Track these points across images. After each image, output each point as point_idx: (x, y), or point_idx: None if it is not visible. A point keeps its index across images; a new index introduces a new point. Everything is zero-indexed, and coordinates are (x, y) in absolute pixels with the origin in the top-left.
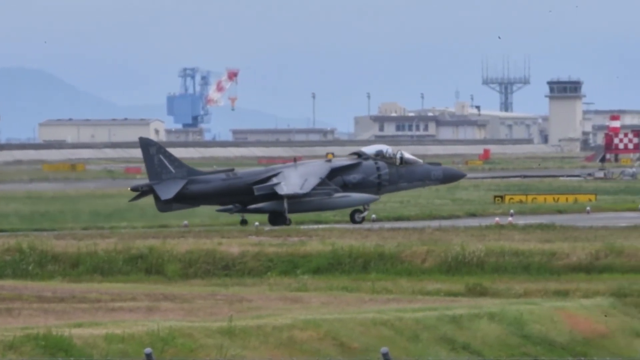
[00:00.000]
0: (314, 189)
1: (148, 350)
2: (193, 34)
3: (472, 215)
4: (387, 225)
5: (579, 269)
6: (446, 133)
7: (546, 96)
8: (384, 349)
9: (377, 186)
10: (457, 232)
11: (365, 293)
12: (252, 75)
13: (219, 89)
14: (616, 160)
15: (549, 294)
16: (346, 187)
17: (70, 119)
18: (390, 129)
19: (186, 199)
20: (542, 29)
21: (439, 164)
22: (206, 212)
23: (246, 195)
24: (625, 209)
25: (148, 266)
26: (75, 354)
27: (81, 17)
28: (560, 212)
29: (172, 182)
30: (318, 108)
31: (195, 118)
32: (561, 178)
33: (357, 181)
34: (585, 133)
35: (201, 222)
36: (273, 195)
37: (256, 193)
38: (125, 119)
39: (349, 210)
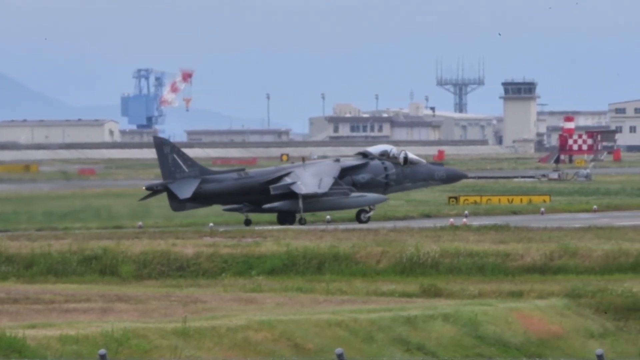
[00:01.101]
0: (330, 188)
1: (102, 351)
2: (147, 35)
3: (427, 216)
4: (342, 226)
5: (534, 270)
6: (400, 134)
7: (500, 97)
8: (338, 350)
9: (385, 186)
10: (412, 233)
11: (319, 294)
12: (207, 76)
13: (173, 89)
14: (570, 161)
15: (503, 295)
16: (355, 187)
17: (24, 120)
18: (344, 130)
19: (200, 198)
20: (496, 31)
21: (442, 164)
22: (161, 213)
23: (258, 195)
24: (580, 210)
25: (102, 267)
26: (29, 355)
27: (34, 16)
28: (514, 213)
29: (188, 181)
30: (273, 109)
31: (149, 119)
32: (515, 179)
33: (366, 181)
34: (539, 134)
35: (155, 224)
36: (287, 195)
37: (272, 192)
38: (79, 119)
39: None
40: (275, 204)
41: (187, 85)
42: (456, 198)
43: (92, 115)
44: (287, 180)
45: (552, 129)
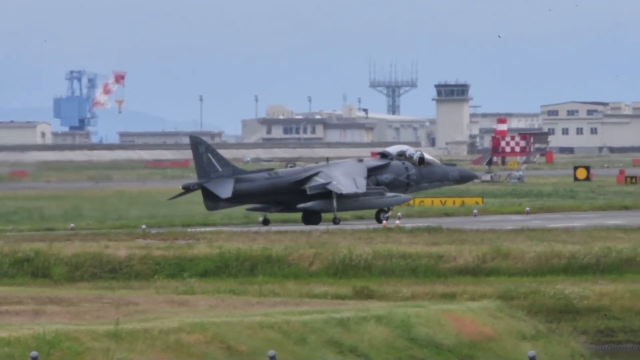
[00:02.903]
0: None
1: (34, 353)
2: (80, 37)
3: (360, 218)
4: (275, 228)
5: (466, 272)
6: (334, 136)
7: (433, 99)
8: (271, 352)
9: (406, 186)
10: (345, 235)
11: (252, 296)
12: (140, 77)
13: (106, 91)
14: (503, 163)
15: (436, 297)
16: (377, 186)
17: None
18: (277, 132)
19: (234, 198)
20: (429, 33)
21: (455, 165)
22: (94, 215)
23: (287, 194)
24: (512, 212)
25: (34, 269)
26: None
27: None
28: (447, 215)
29: (224, 181)
30: (205, 111)
31: (82, 121)
32: None
33: (389, 181)
34: (472, 136)
35: (87, 225)
36: (320, 195)
37: (309, 192)
38: (12, 121)
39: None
40: (309, 204)
41: (120, 87)
42: None
43: (25, 117)
44: (320, 180)
45: (484, 131)
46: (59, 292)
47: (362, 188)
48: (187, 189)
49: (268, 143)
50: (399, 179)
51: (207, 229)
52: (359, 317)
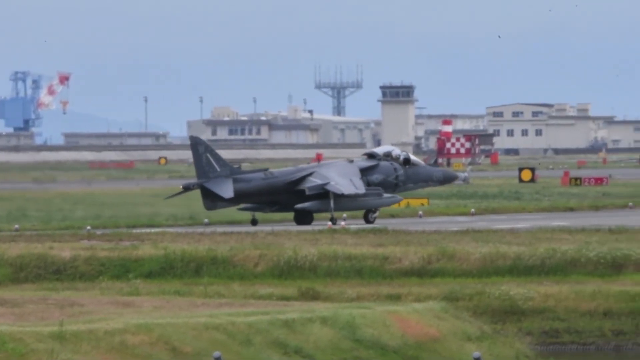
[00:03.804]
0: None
1: None
2: (24, 37)
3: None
4: (220, 229)
5: (411, 273)
6: (279, 137)
7: (379, 100)
8: (216, 354)
9: (394, 187)
10: (290, 236)
11: (197, 297)
12: (85, 78)
13: (51, 92)
14: (448, 164)
15: (381, 298)
16: (369, 187)
17: None
18: (223, 133)
19: (232, 198)
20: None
21: (437, 166)
22: (38, 215)
23: (282, 195)
24: (457, 213)
25: None
26: None
27: None
28: (392, 216)
29: (223, 180)
30: (151, 112)
31: (26, 122)
32: None
33: (379, 182)
34: (417, 137)
35: (32, 226)
36: (317, 195)
37: (308, 193)
38: None
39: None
40: (307, 204)
41: (65, 88)
42: None
43: None
44: (317, 180)
45: (430, 132)
46: (3, 293)
47: (361, 189)
48: (187, 189)
49: (213, 144)
50: (388, 179)
51: (152, 230)
52: (304, 318)
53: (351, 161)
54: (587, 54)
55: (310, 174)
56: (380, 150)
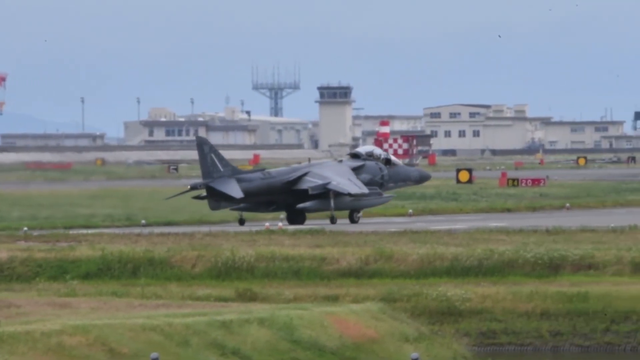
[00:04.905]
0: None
1: None
2: None
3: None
4: (157, 230)
5: (349, 274)
6: (216, 138)
7: (316, 101)
8: (153, 355)
9: (380, 186)
10: (228, 237)
11: (134, 298)
12: (21, 79)
13: None
14: None
15: (319, 299)
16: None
17: None
18: (160, 134)
19: (242, 197)
20: (312, 34)
21: (413, 166)
22: None
23: (280, 194)
24: (395, 214)
25: None
26: None
27: None
28: (327, 218)
29: (228, 180)
30: (87, 113)
31: None
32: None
33: (367, 181)
34: (355, 138)
35: None
36: (316, 195)
37: (311, 192)
38: None
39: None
40: (308, 204)
41: (1, 88)
42: None
43: None
44: (318, 180)
45: (367, 133)
46: None
47: (363, 188)
48: (194, 188)
49: (150, 145)
50: (374, 179)
51: (89, 231)
52: (242, 319)
53: (340, 161)
54: (523, 55)
55: (305, 174)
56: (363, 150)
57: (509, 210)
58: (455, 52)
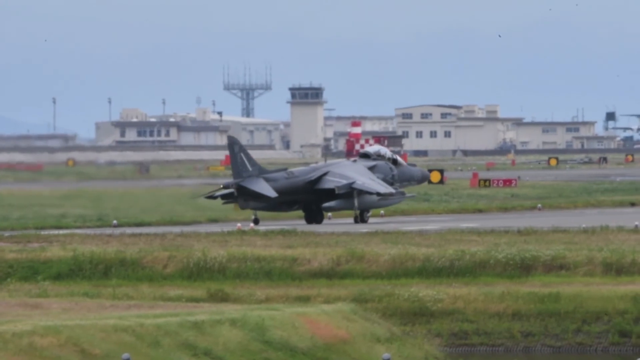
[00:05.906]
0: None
1: None
2: None
3: (214, 221)
4: (129, 230)
5: (321, 275)
6: (188, 139)
7: (288, 102)
8: (125, 355)
9: (390, 185)
10: (199, 238)
11: (106, 299)
12: None
13: None
14: None
15: (290, 300)
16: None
17: None
18: (131, 135)
19: (264, 197)
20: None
21: (415, 165)
22: None
23: (302, 194)
24: None
25: None
26: None
27: None
28: (302, 218)
29: (257, 180)
30: (59, 113)
31: None
32: None
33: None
34: (327, 139)
35: None
36: (338, 194)
37: (337, 192)
38: None
39: None
40: (333, 203)
41: None
42: None
43: None
44: (342, 180)
45: (339, 134)
46: None
47: (389, 187)
48: (227, 187)
49: (122, 146)
50: (386, 178)
51: (61, 231)
52: (214, 320)
53: (354, 161)
54: (494, 56)
55: (325, 174)
56: (372, 150)
57: (480, 210)
58: (426, 53)
